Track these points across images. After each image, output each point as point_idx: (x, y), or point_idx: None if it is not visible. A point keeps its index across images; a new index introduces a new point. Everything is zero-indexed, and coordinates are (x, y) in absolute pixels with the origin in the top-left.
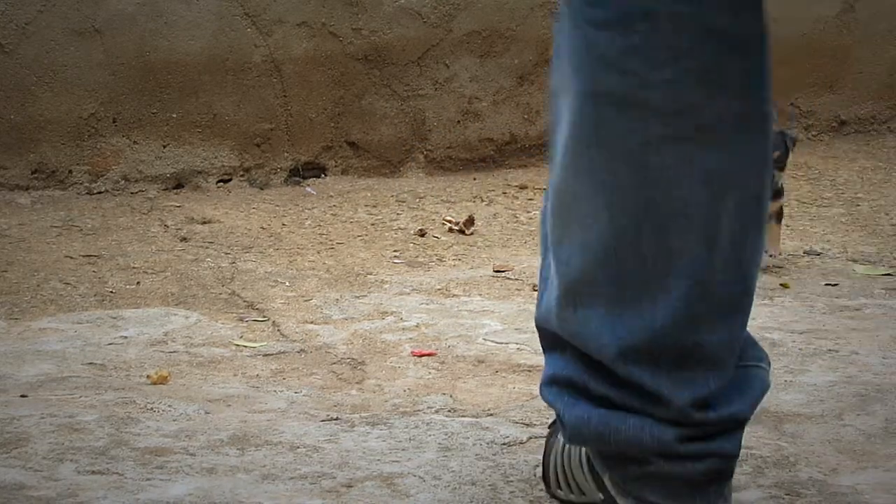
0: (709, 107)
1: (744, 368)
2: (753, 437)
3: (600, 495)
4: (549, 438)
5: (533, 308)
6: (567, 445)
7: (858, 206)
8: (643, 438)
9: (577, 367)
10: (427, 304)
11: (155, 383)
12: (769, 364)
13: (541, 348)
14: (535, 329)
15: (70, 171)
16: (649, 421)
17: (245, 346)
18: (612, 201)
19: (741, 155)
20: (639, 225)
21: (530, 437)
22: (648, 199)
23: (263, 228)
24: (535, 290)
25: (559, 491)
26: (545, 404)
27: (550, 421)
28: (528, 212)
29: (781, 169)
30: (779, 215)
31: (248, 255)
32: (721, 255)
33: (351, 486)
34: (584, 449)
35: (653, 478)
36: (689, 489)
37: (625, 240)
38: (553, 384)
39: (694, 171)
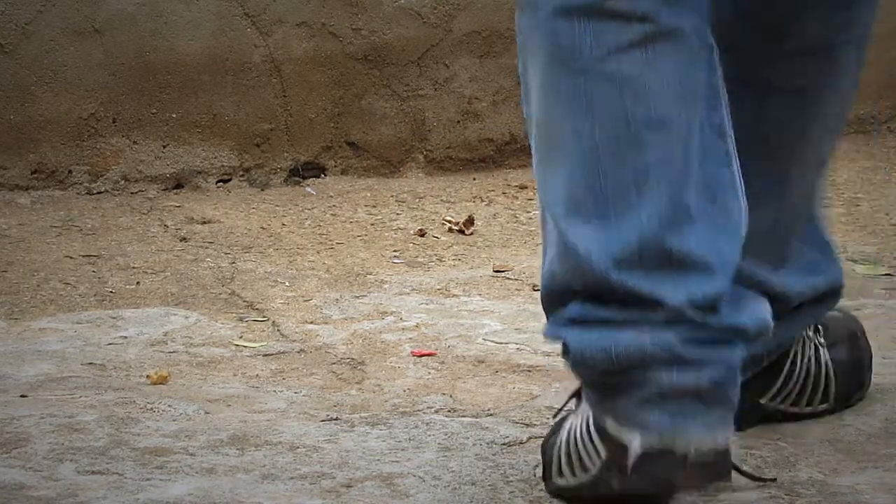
0: (667, 15)
1: (746, 291)
2: (753, 436)
3: (603, 455)
4: (550, 437)
5: (533, 308)
6: (572, 428)
7: (858, 206)
8: (645, 346)
9: (577, 303)
10: (427, 303)
11: (155, 383)
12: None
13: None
14: (535, 329)
15: (70, 172)
16: (648, 327)
17: (245, 346)
18: (589, 118)
19: (707, 63)
20: (617, 138)
21: (530, 438)
22: (620, 108)
23: (263, 228)
24: (536, 290)
25: (560, 479)
26: (545, 404)
27: (554, 419)
28: (528, 212)
29: None
30: None
31: (247, 255)
32: (698, 161)
33: (350, 486)
34: (589, 417)
35: (657, 398)
36: (692, 405)
37: (606, 154)
38: (555, 324)
39: (663, 81)
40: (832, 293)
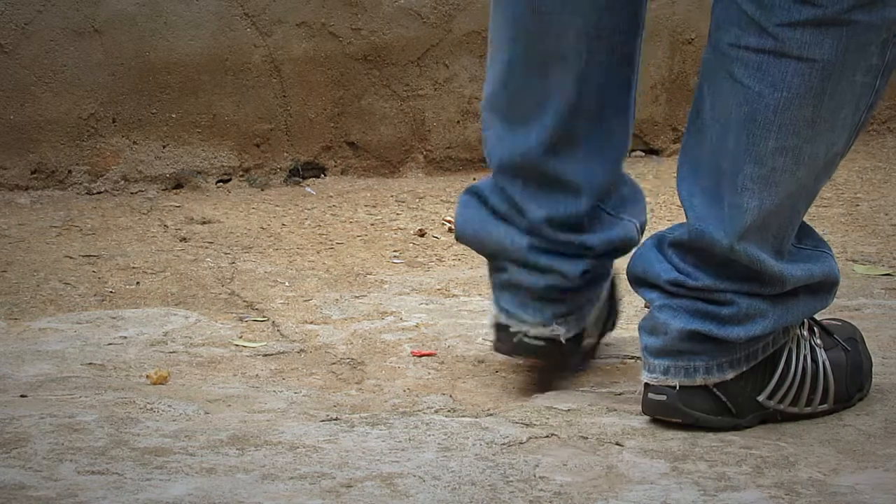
0: None
1: (613, 218)
2: (752, 436)
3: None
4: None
5: None
6: None
7: (858, 206)
8: (506, 243)
9: (486, 181)
10: (427, 303)
11: (154, 383)
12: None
13: None
14: None
15: (69, 172)
16: (514, 229)
17: (245, 347)
18: (512, 35)
19: (611, 11)
20: (527, 58)
21: (530, 437)
22: (535, 36)
23: (263, 228)
24: None
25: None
26: (545, 404)
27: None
28: None
29: None
30: None
31: (247, 255)
32: (587, 99)
33: (350, 486)
34: None
35: (509, 286)
36: (531, 300)
37: (517, 68)
38: (467, 192)
39: (569, 19)
40: (828, 284)
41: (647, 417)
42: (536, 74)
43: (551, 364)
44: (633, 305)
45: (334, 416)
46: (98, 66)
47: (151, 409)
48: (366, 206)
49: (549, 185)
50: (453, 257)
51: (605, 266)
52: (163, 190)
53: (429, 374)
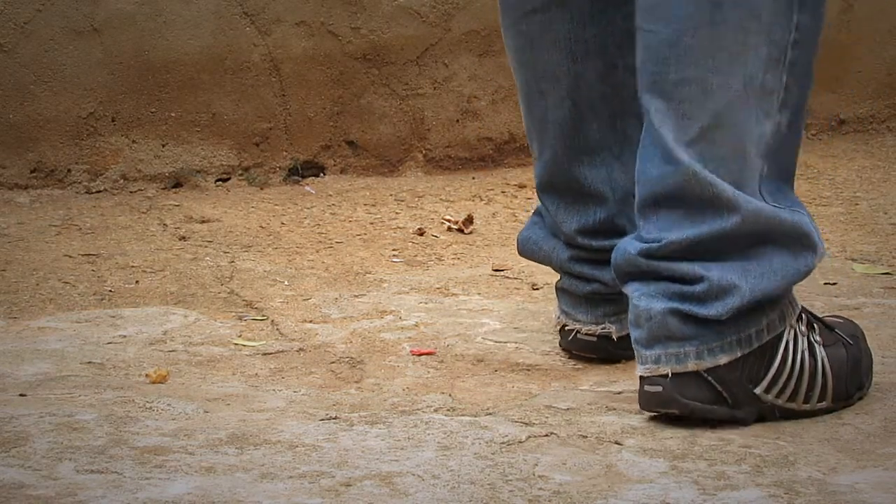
0: None
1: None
2: (752, 435)
3: None
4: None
5: (532, 307)
6: None
7: (857, 205)
8: (552, 256)
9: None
10: (426, 302)
11: (154, 382)
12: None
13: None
14: (534, 328)
15: (69, 171)
16: (559, 243)
17: (244, 345)
18: (515, 65)
19: (595, 25)
20: (528, 82)
21: (529, 437)
22: (530, 61)
23: (262, 227)
24: (535, 289)
25: None
26: (544, 403)
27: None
28: (527, 211)
29: None
30: None
31: (246, 254)
32: (589, 111)
33: (350, 485)
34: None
35: (563, 290)
36: (582, 302)
37: (525, 92)
38: (534, 212)
39: (555, 38)
40: (799, 236)
41: (647, 416)
42: (536, 94)
43: (605, 359)
44: None
45: (333, 415)
46: (97, 65)
47: (151, 408)
48: (365, 205)
49: (575, 196)
50: (452, 256)
51: None
52: (162, 189)
53: (428, 373)
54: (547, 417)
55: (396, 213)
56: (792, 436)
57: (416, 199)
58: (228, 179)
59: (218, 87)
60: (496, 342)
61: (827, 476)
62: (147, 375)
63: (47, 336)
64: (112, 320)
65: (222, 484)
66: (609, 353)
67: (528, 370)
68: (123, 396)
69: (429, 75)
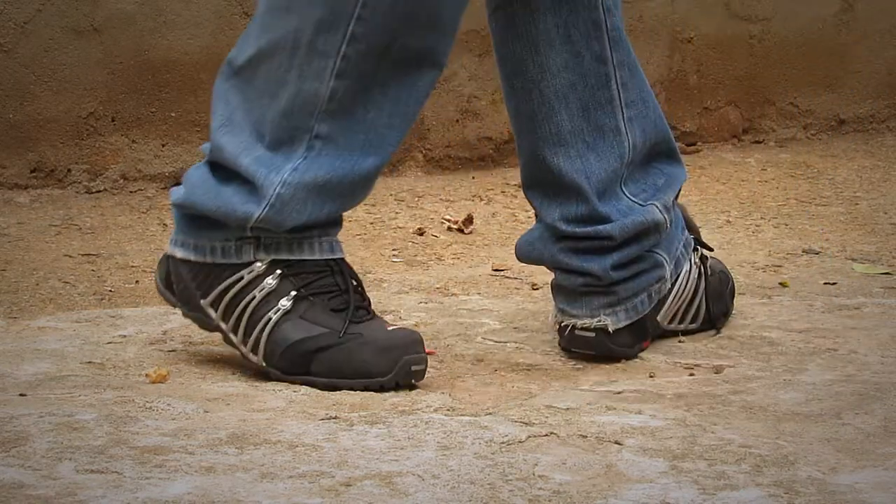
0: None
1: (634, 205)
2: (752, 435)
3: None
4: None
5: (532, 307)
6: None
7: (857, 204)
8: (544, 254)
9: None
10: (426, 302)
11: (154, 382)
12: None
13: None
14: (534, 328)
15: (69, 170)
16: (548, 239)
17: None
18: (496, 64)
19: (558, 14)
20: (504, 79)
21: (529, 436)
22: (502, 57)
23: None
24: (535, 289)
25: None
26: (544, 403)
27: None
28: (527, 210)
29: None
30: None
31: None
32: (555, 103)
33: (350, 485)
34: None
35: (558, 287)
36: (577, 296)
37: (503, 92)
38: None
39: (518, 32)
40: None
41: (646, 416)
42: (510, 89)
43: (602, 354)
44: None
45: (333, 415)
46: (97, 65)
47: (151, 407)
48: (365, 204)
49: (556, 189)
50: (452, 256)
51: (643, 256)
52: (162, 189)
53: (428, 372)
54: (547, 417)
55: (396, 212)
56: (791, 435)
57: (416, 198)
58: None
59: None
60: (496, 342)
61: (827, 476)
62: (147, 375)
63: (47, 336)
64: (112, 320)
65: (222, 484)
66: (607, 348)
67: (528, 370)
68: (123, 396)
69: None
